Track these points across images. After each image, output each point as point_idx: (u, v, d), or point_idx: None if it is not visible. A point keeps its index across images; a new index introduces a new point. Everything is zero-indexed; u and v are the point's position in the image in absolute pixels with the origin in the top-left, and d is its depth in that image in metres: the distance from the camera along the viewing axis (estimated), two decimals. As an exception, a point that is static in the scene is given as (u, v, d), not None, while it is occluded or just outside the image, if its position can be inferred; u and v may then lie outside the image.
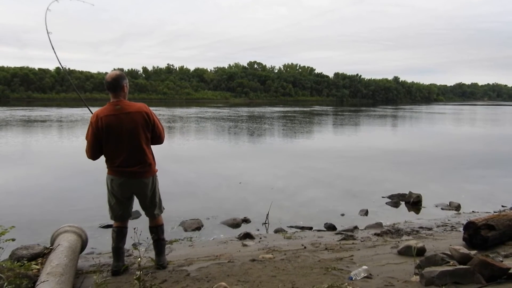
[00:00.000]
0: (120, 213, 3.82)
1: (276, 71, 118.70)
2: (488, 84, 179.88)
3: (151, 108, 3.86)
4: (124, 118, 3.58)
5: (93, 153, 3.68)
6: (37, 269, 3.82)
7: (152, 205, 3.88)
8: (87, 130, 3.67)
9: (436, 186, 9.16)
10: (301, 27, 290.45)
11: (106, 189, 3.81)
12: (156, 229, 3.93)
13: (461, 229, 5.14)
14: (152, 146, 3.86)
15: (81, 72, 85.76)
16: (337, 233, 5.75)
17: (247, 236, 5.48)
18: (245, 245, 5.07)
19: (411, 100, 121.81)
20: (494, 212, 6.83)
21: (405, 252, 4.34)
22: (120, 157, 3.63)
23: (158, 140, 3.84)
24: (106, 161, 3.74)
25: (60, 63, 4.53)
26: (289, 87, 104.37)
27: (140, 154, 3.67)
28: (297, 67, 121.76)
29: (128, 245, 4.07)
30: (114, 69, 3.92)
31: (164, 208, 4.06)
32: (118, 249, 3.84)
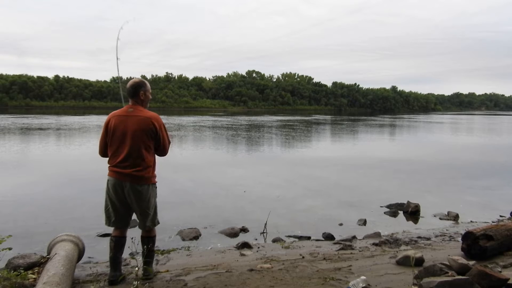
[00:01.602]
0: (113, 219, 3.80)
1: (275, 80, 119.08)
2: (485, 93, 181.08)
3: None
4: (131, 120, 3.73)
5: (101, 150, 3.91)
6: (34, 278, 3.80)
7: (145, 216, 3.84)
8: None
9: (434, 195, 9.16)
10: (299, 37, 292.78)
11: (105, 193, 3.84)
12: (147, 240, 3.90)
13: (460, 239, 5.14)
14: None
15: (80, 80, 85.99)
16: (335, 243, 5.73)
17: (245, 245, 5.45)
18: (243, 255, 5.05)
19: (409, 110, 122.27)
20: (493, 222, 6.83)
21: (404, 262, 4.33)
22: (118, 157, 3.72)
23: (161, 152, 3.93)
24: (108, 161, 3.84)
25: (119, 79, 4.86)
26: (288, 96, 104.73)
27: (137, 158, 3.70)
28: (296, 76, 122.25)
29: (125, 254, 4.04)
30: (131, 78, 4.09)
31: (158, 222, 4.00)
32: (115, 259, 3.82)
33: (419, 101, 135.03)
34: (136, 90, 3.82)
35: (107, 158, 3.85)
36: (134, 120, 3.72)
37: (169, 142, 3.99)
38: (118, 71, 4.81)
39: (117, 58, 4.76)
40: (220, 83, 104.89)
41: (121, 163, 3.69)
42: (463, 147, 21.48)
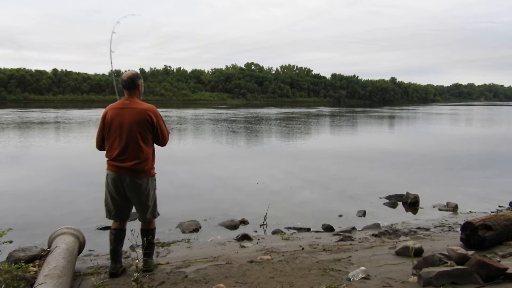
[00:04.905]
0: (114, 212, 3.82)
1: (274, 72, 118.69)
2: (484, 84, 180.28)
3: None
4: (127, 113, 3.70)
5: (98, 143, 3.90)
6: (35, 271, 3.81)
7: (145, 209, 3.86)
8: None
9: (433, 186, 9.18)
10: (297, 28, 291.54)
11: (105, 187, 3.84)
12: (146, 232, 3.91)
13: (459, 229, 5.16)
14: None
15: (78, 74, 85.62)
16: (335, 234, 5.75)
17: (245, 237, 5.47)
18: (243, 247, 5.07)
19: (408, 101, 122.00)
20: (491, 212, 6.85)
21: (403, 252, 4.35)
22: (116, 150, 3.71)
23: (161, 143, 3.93)
24: (106, 154, 3.82)
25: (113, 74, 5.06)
26: (287, 88, 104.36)
27: (135, 151, 3.69)
28: (294, 68, 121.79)
29: (126, 246, 4.06)
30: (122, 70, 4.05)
31: (158, 214, 4.04)
32: (115, 251, 3.84)
33: (418, 92, 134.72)
34: (134, 82, 3.81)
35: (105, 152, 3.83)
36: (131, 113, 3.70)
37: (168, 132, 3.98)
38: (111, 64, 4.79)
39: (111, 51, 4.71)
40: (218, 75, 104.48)
41: (119, 157, 3.68)
42: (462, 138, 21.48)
